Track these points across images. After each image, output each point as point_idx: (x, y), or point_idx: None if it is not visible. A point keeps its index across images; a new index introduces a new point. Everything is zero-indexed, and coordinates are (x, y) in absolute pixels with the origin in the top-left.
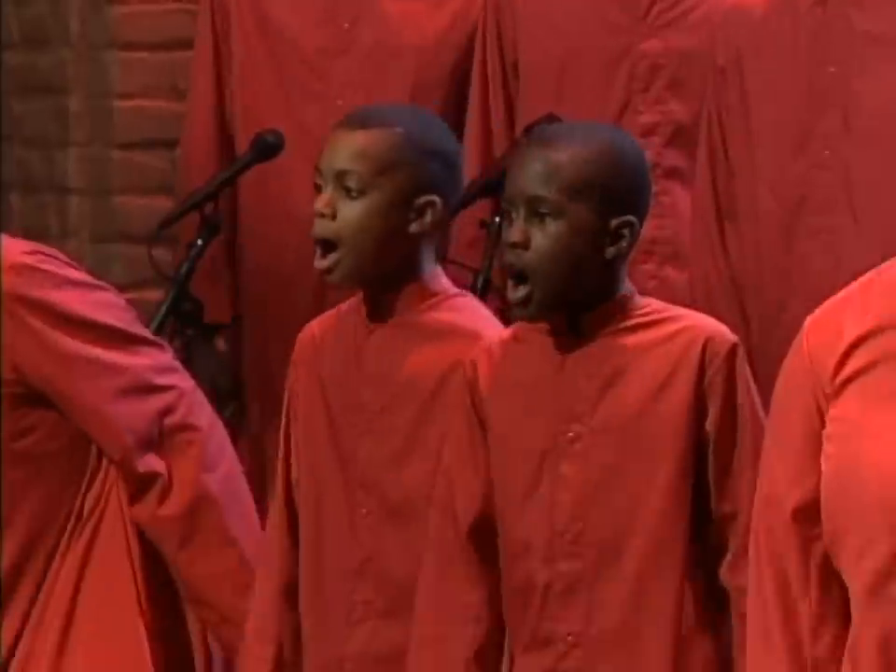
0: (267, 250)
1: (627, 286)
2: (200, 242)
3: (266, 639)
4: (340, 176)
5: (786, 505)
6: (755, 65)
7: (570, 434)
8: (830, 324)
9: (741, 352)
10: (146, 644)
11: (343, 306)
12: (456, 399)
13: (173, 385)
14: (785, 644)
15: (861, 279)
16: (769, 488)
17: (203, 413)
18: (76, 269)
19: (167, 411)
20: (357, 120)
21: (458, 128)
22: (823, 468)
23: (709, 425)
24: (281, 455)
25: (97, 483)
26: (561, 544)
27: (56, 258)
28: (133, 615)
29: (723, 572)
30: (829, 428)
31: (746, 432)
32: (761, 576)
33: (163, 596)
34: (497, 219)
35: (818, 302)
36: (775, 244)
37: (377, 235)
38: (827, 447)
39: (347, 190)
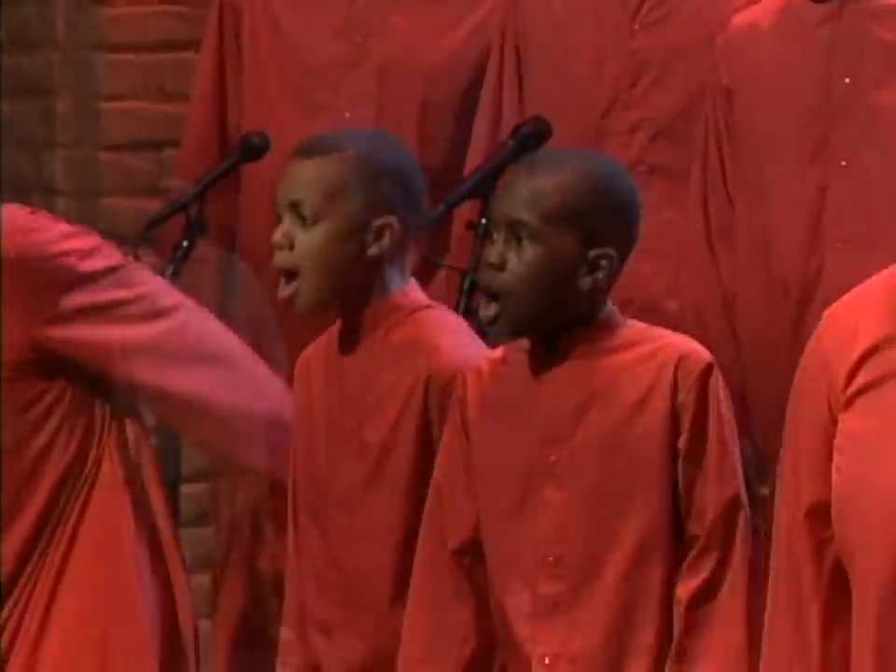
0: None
1: (608, 308)
2: (185, 243)
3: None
4: (294, 206)
5: (800, 505)
6: (764, 83)
7: (552, 458)
8: (844, 326)
9: (715, 372)
10: (140, 603)
11: (335, 327)
12: (450, 419)
13: (181, 302)
14: (795, 644)
15: (881, 275)
16: (785, 488)
17: (212, 319)
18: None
19: (185, 324)
20: (310, 148)
21: (467, 147)
22: (833, 478)
23: (681, 443)
24: (292, 478)
25: (94, 446)
26: (542, 567)
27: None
28: (126, 572)
29: (677, 585)
30: (838, 440)
31: (712, 454)
32: (776, 575)
33: (155, 556)
34: (484, 220)
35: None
36: (790, 258)
37: (335, 261)
38: (837, 458)
39: (303, 219)
